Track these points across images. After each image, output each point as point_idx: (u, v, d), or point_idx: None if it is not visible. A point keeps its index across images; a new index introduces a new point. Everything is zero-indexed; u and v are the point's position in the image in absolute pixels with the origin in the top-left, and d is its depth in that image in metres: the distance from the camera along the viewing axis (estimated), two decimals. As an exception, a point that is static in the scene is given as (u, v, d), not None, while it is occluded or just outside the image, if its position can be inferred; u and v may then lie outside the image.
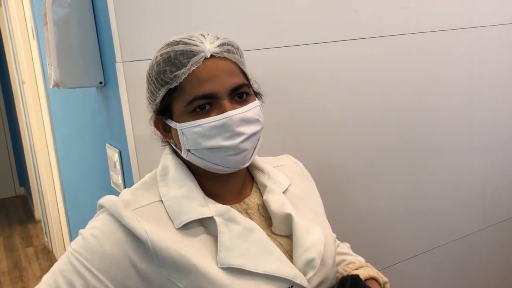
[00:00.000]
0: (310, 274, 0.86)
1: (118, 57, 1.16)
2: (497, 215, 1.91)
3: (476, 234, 1.85)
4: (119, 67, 1.17)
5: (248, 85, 0.89)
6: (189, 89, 0.83)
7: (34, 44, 2.79)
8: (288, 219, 0.90)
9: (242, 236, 0.84)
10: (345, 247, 1.13)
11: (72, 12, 1.29)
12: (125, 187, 1.32)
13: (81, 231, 0.85)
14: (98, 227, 0.83)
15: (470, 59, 1.74)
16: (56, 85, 1.36)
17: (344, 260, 1.05)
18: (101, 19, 1.27)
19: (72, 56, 1.30)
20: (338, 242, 1.14)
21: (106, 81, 1.34)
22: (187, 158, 0.88)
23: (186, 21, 1.21)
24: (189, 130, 0.84)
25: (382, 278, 0.98)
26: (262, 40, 1.32)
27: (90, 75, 1.33)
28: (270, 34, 1.34)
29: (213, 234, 0.85)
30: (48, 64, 1.40)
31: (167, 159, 0.92)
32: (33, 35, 2.69)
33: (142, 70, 1.16)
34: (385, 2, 1.52)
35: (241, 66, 0.89)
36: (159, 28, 1.18)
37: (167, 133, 0.91)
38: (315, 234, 0.90)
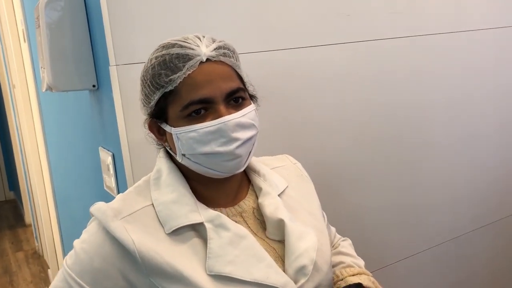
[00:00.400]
0: (302, 281, 0.85)
1: (112, 60, 1.16)
2: (490, 216, 1.93)
3: (469, 234, 1.87)
4: (113, 70, 1.17)
5: (244, 89, 0.88)
6: (184, 94, 0.83)
7: (25, 47, 2.78)
8: (281, 224, 0.89)
9: (232, 243, 0.84)
10: (346, 245, 1.12)
11: (65, 15, 1.28)
12: (118, 190, 1.32)
13: (75, 243, 0.85)
14: (87, 240, 0.83)
15: (461, 62, 1.76)
16: (49, 88, 1.35)
17: (342, 262, 1.04)
18: (94, 22, 1.27)
19: (65, 59, 1.30)
20: (339, 236, 1.14)
21: (99, 84, 1.33)
22: (182, 162, 0.87)
23: (180, 25, 1.22)
24: (184, 135, 0.83)
25: (378, 287, 0.97)
26: (256, 43, 1.33)
27: (83, 78, 1.33)
28: (264, 38, 1.34)
29: (204, 238, 0.85)
30: (41, 67, 1.40)
31: (161, 162, 0.91)
32: (24, 38, 2.68)
33: (135, 73, 1.16)
34: (376, 7, 1.53)
35: (237, 70, 0.88)
36: (153, 31, 1.18)
37: (161, 136, 0.90)
38: (308, 240, 0.89)
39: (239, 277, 0.81)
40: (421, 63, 1.66)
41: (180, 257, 0.81)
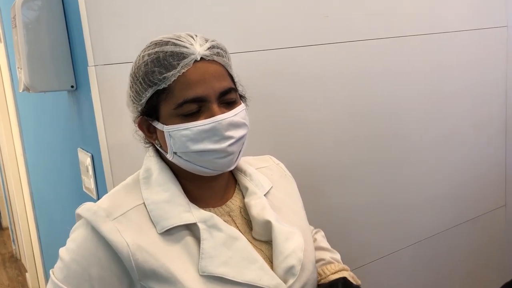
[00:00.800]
0: (291, 281, 0.87)
1: (90, 61, 1.15)
2: (468, 213, 1.97)
3: (448, 231, 1.90)
4: (91, 71, 1.16)
5: (235, 89, 0.89)
6: (178, 92, 0.82)
7: (1, 47, 2.73)
8: (267, 225, 0.90)
9: (225, 244, 0.84)
10: (321, 238, 1.14)
11: (42, 14, 1.27)
12: (97, 191, 1.31)
13: (61, 253, 0.82)
14: (77, 250, 0.81)
15: (437, 63, 1.79)
16: (26, 88, 1.33)
17: (322, 259, 1.05)
18: (72, 22, 1.25)
19: (43, 59, 1.28)
20: (311, 228, 1.15)
21: (77, 84, 1.32)
22: (173, 161, 0.87)
23: (161, 25, 1.21)
24: (177, 133, 0.83)
25: (357, 281, 0.99)
26: (238, 44, 1.33)
27: (61, 78, 1.31)
28: (246, 38, 1.35)
29: (197, 239, 0.84)
30: (18, 68, 1.38)
31: (151, 161, 0.90)
32: (0, 38, 2.63)
33: (114, 74, 1.16)
34: (354, 9, 1.55)
35: (229, 70, 0.89)
36: (132, 32, 1.17)
37: (151, 134, 0.89)
38: (295, 241, 0.90)
39: (232, 278, 0.82)
40: (397, 64, 1.68)
41: (173, 258, 0.81)
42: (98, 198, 1.12)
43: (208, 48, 0.85)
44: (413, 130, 1.76)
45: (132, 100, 0.89)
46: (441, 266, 1.92)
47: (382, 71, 1.64)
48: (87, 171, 1.34)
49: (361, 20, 1.57)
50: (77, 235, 0.82)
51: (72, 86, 1.33)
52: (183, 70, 0.82)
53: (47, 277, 2.43)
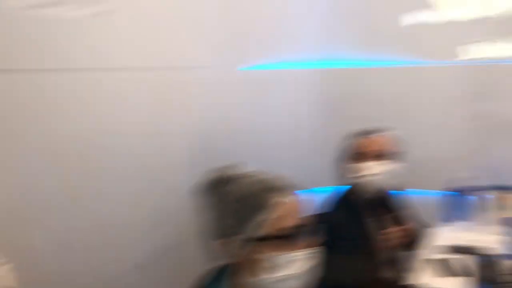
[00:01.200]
0: None
1: None
2: (162, 241, 2.03)
3: (154, 256, 1.95)
4: None
5: None
6: None
7: None
8: None
9: None
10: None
11: None
12: None
13: None
14: None
15: (160, 98, 1.88)
16: None
17: None
18: None
19: None
20: None
21: None
22: None
23: None
24: None
25: None
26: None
27: None
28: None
29: None
30: None
31: None
32: None
33: None
34: (75, 38, 1.54)
35: None
36: None
37: None
38: None
39: None
40: (123, 96, 1.73)
41: None
42: None
43: None
44: (122, 164, 1.78)
45: None
46: None
47: (102, 100, 1.66)
48: None
49: (81, 50, 1.57)
50: None
51: None
52: None
53: None
